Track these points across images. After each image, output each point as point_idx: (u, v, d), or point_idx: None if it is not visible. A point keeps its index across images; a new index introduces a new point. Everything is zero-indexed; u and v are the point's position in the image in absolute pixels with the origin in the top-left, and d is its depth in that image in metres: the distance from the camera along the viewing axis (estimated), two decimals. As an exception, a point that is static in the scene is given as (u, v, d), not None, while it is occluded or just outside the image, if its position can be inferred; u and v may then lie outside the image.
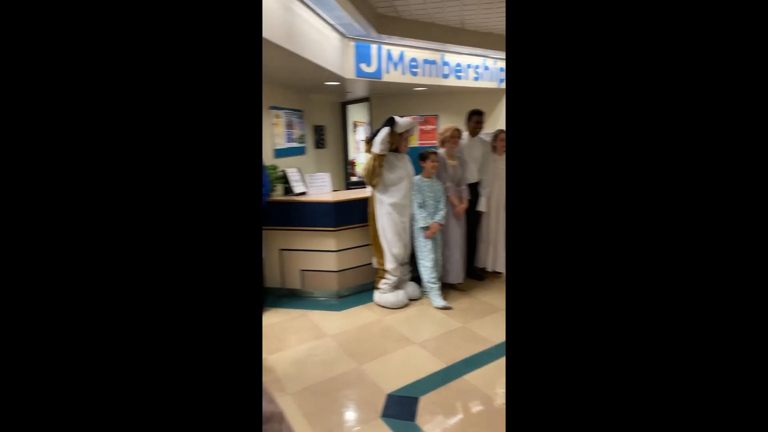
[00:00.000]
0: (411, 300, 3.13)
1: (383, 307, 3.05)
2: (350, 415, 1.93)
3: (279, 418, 0.72)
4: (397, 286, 3.13)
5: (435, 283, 3.08)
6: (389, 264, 3.07)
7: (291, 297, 3.28)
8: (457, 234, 3.21)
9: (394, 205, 2.99)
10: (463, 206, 3.19)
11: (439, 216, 3.05)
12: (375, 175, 2.95)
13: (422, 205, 3.05)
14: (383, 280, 3.10)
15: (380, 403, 1.95)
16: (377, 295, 3.11)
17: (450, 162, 3.20)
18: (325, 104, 6.00)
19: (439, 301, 3.01)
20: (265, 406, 0.71)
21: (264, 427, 0.69)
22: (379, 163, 2.92)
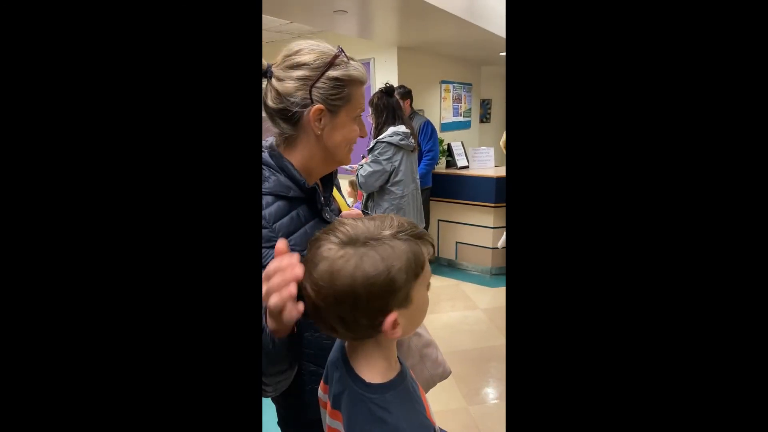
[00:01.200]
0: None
1: None
2: (496, 386, 1.96)
3: (435, 345, 0.81)
4: None
5: None
6: None
7: (445, 266, 3.42)
8: None
9: None
10: None
11: None
12: None
13: None
14: None
15: (528, 384, 1.92)
16: None
17: None
18: (495, 77, 5.78)
19: None
20: (425, 334, 0.81)
21: (425, 351, 0.79)
22: None
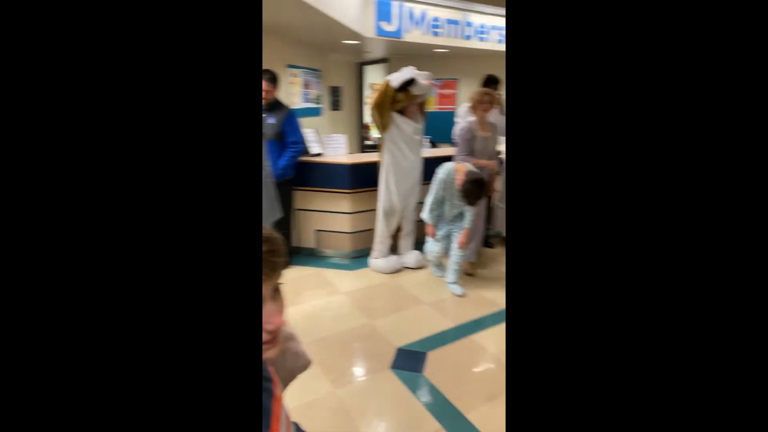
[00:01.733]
0: (416, 268, 3.09)
1: (378, 272, 3.05)
2: (361, 364, 2.03)
3: (296, 338, 0.80)
4: (394, 251, 3.11)
5: (454, 265, 2.78)
6: (378, 226, 2.99)
7: (306, 255, 3.37)
8: (478, 215, 2.89)
9: (402, 152, 2.84)
10: (496, 187, 3.07)
11: (467, 221, 2.64)
12: (385, 111, 2.68)
13: (441, 203, 2.67)
14: (376, 246, 3.07)
15: (390, 356, 2.05)
16: (370, 260, 3.12)
17: (482, 133, 2.77)
18: (343, 65, 5.88)
19: (454, 285, 2.78)
20: (286, 329, 0.78)
21: (289, 344, 0.77)
22: (392, 99, 2.65)
